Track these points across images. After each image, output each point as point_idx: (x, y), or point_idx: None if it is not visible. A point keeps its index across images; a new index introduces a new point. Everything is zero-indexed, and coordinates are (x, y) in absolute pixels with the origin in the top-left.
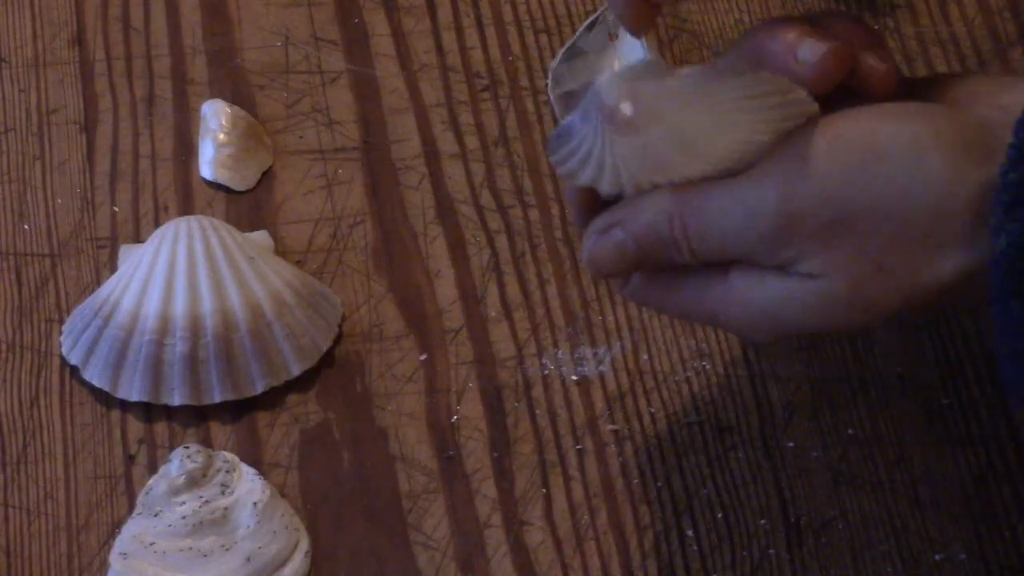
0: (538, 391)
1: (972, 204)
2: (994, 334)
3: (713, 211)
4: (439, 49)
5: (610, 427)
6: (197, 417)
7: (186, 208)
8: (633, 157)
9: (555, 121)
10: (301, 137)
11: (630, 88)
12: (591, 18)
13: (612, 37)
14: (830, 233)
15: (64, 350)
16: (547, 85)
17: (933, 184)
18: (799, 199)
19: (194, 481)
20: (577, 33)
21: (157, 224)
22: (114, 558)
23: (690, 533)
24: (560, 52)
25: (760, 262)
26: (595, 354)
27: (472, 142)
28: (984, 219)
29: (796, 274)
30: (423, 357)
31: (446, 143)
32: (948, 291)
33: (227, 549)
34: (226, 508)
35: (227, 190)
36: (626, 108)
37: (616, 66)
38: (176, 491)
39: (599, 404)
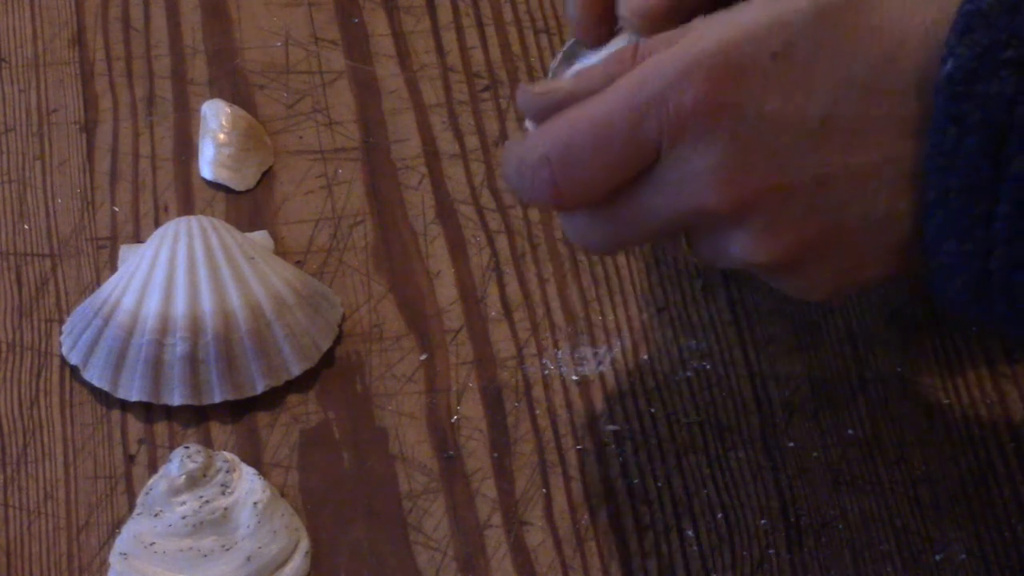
0: (538, 391)
1: (920, 49)
2: (924, 165)
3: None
4: (439, 49)
5: (610, 427)
6: (197, 417)
7: (186, 208)
8: None
9: None
10: (301, 137)
11: None
12: None
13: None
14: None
15: (64, 350)
16: None
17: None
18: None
19: (194, 481)
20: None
21: (157, 224)
22: (114, 558)
23: (690, 533)
24: (559, 53)
25: None
26: (595, 354)
27: (472, 142)
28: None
29: None
30: (423, 357)
31: (446, 143)
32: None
33: (227, 549)
34: (226, 508)
35: (227, 190)
36: None
37: None
38: (176, 491)
39: (599, 404)
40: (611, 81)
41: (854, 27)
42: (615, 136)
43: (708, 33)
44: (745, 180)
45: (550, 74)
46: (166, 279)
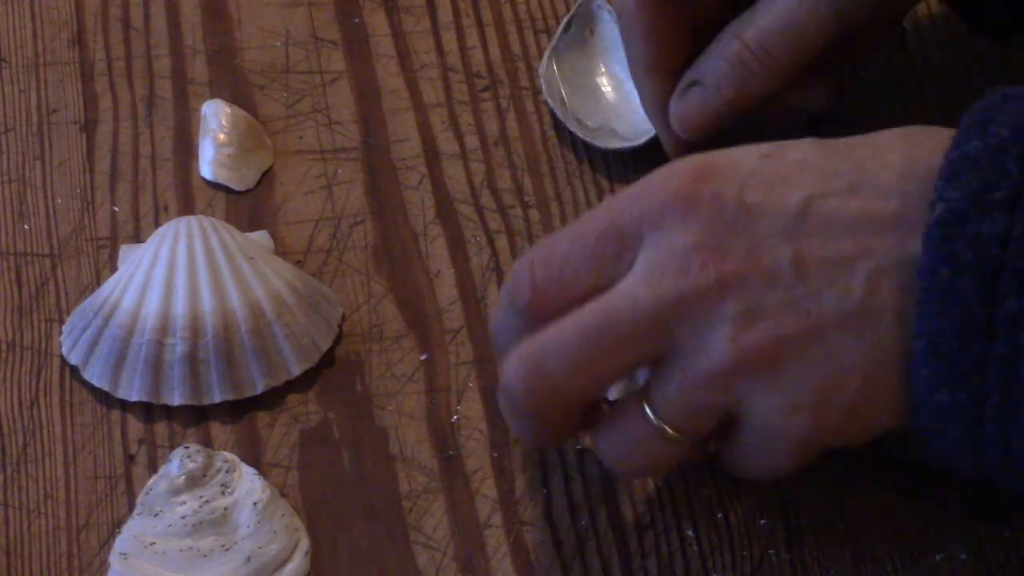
0: None
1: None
2: (915, 311)
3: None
4: (439, 49)
5: None
6: (197, 417)
7: (186, 208)
8: None
9: (554, 120)
10: (301, 137)
11: None
12: (566, 18)
13: (590, 33)
14: None
15: (64, 350)
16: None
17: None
18: None
19: (194, 481)
20: (555, 36)
21: (157, 224)
22: (114, 558)
23: (690, 533)
24: (544, 56)
25: None
26: None
27: (472, 142)
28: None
29: None
30: (423, 357)
31: (446, 143)
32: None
33: (227, 549)
34: (226, 508)
35: (227, 190)
36: None
37: (602, 68)
38: (176, 491)
39: None
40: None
41: (849, 148)
42: (592, 232)
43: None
44: (723, 260)
45: (540, 79)
46: (166, 279)
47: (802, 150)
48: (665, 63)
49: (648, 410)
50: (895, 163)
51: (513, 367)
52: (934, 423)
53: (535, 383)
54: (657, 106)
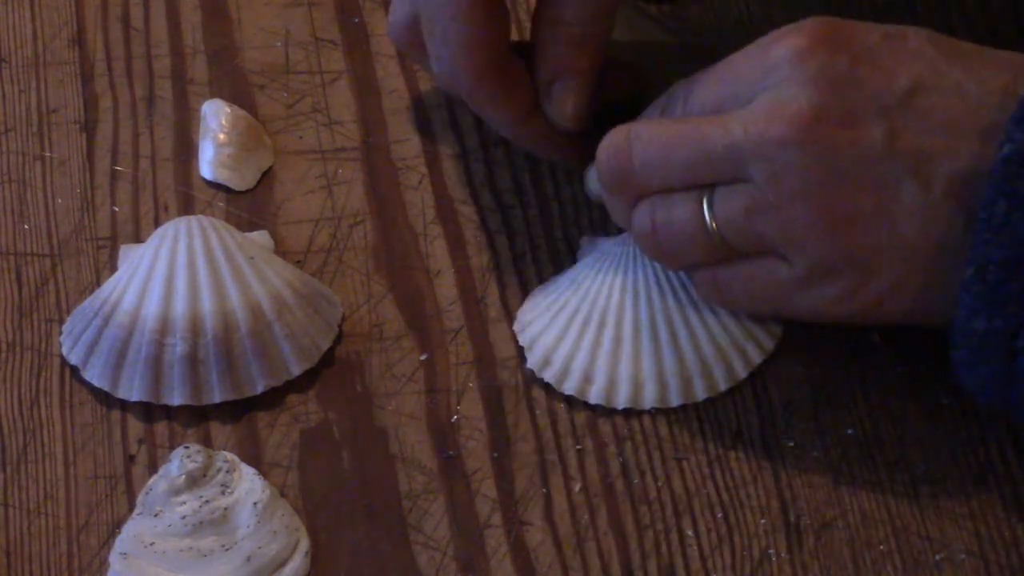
0: (538, 391)
1: (990, 105)
2: (974, 239)
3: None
4: None
5: (610, 427)
6: (197, 417)
7: (186, 208)
8: None
9: None
10: (301, 137)
11: None
12: None
13: None
14: None
15: (64, 350)
16: None
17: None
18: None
19: (194, 481)
20: None
21: (157, 224)
22: (114, 558)
23: (690, 533)
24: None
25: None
26: None
27: (472, 142)
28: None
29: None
30: (423, 357)
31: (446, 143)
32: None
33: (227, 549)
34: (226, 508)
35: (227, 190)
36: None
37: None
38: (176, 491)
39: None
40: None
41: (964, 54)
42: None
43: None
44: (817, 119)
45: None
46: (166, 279)
47: (921, 40)
48: (508, 89)
49: (707, 215)
50: (1003, 81)
51: (607, 140)
52: (969, 351)
53: (616, 161)
54: (515, 128)
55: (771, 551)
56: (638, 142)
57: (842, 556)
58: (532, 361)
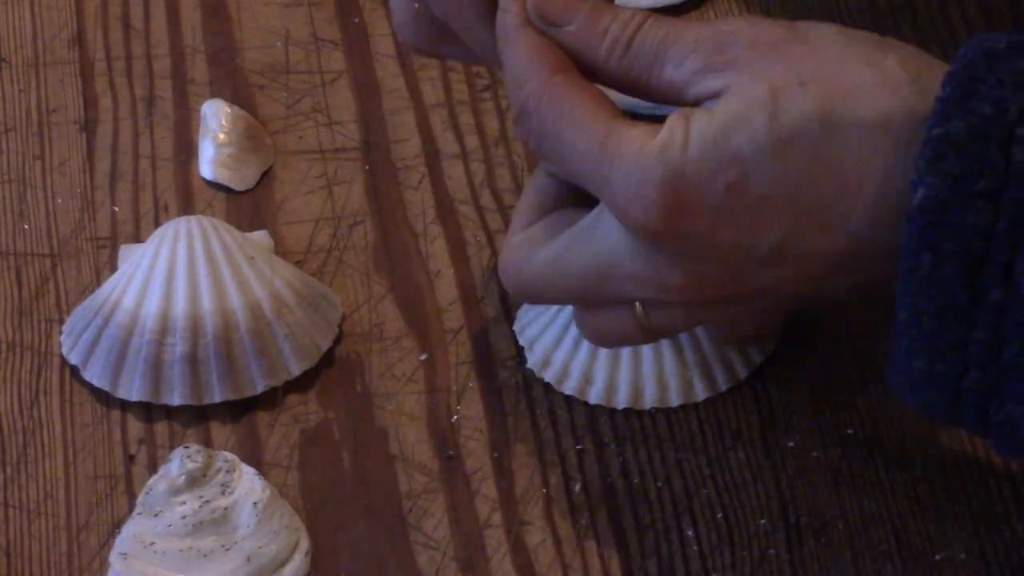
0: (538, 391)
1: (902, 129)
2: (897, 291)
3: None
4: None
5: (610, 427)
6: (197, 417)
7: (186, 208)
8: None
9: None
10: (301, 137)
11: None
12: None
13: None
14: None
15: (64, 350)
16: None
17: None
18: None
19: (194, 481)
20: None
21: (157, 224)
22: (114, 558)
23: (690, 533)
24: None
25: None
26: None
27: (472, 142)
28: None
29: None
30: (423, 357)
31: (446, 143)
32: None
33: (227, 549)
34: (226, 508)
35: (227, 190)
36: None
37: None
38: (176, 491)
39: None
40: (614, 47)
41: (810, 166)
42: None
43: (668, 155)
44: (701, 290)
45: None
46: (166, 279)
47: (763, 175)
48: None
49: (641, 317)
50: (868, 192)
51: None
52: (911, 385)
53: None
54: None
55: (771, 551)
56: (527, 282)
57: (842, 556)
58: (532, 361)
